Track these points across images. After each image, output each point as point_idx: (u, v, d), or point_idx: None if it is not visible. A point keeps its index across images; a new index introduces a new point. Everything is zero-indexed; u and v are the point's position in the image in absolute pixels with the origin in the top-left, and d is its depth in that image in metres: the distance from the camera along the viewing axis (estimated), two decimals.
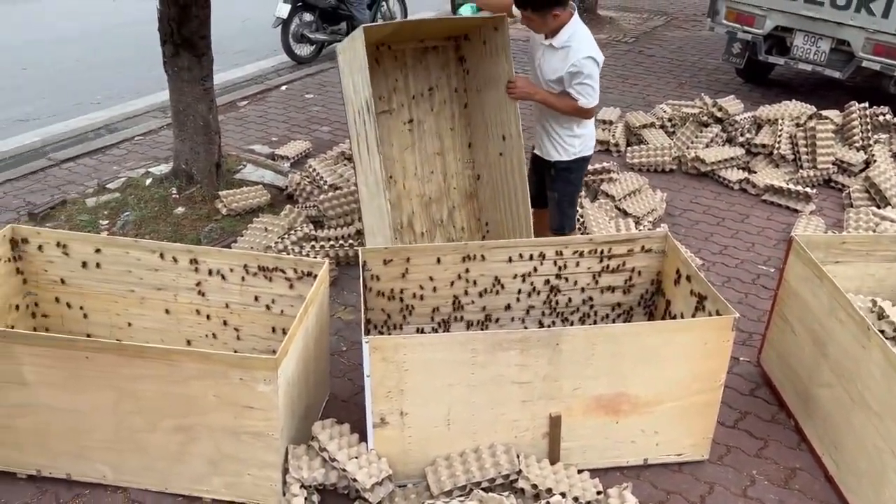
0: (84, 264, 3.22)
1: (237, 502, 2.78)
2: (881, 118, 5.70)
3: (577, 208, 4.06)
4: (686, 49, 8.80)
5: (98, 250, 3.20)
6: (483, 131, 4.05)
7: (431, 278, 3.34)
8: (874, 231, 4.52)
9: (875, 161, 5.35)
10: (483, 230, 4.23)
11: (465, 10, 3.77)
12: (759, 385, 3.46)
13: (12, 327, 3.19)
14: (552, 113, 3.60)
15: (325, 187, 4.85)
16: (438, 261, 3.29)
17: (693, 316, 3.06)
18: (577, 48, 3.42)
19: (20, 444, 2.78)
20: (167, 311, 3.28)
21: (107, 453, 2.76)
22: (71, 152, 5.83)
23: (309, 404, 2.99)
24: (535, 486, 2.71)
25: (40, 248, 3.22)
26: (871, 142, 5.58)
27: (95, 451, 2.76)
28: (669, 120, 6.05)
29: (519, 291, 3.41)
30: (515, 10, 3.58)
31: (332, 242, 4.35)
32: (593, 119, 3.73)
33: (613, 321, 3.51)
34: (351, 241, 4.36)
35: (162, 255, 3.17)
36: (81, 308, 3.33)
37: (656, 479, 2.94)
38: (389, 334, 3.39)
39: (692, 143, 5.79)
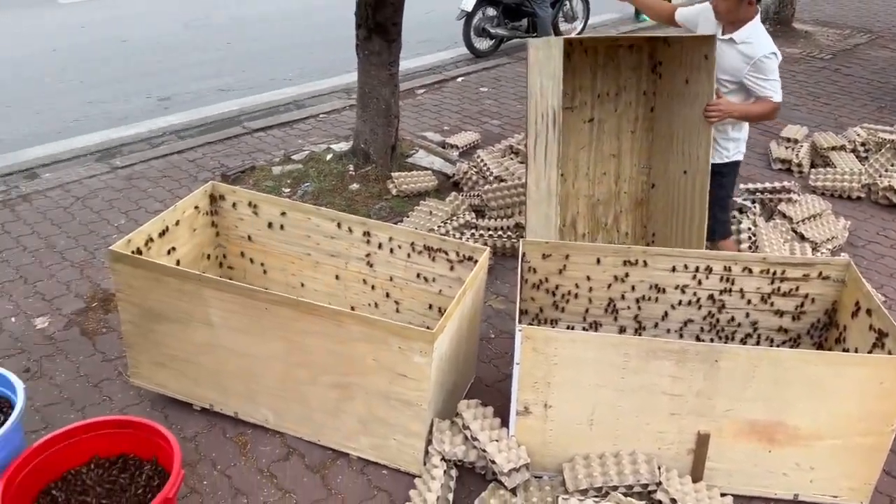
0: (270, 225, 3.50)
1: (380, 464, 2.93)
2: None
3: (729, 215, 3.91)
4: (890, 71, 8.08)
5: (283, 213, 3.46)
6: (667, 142, 3.88)
7: (588, 278, 3.33)
8: None
9: None
10: (648, 238, 4.13)
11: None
12: None
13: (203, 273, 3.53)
14: None
15: (491, 178, 4.95)
16: (598, 261, 3.28)
17: (869, 353, 2.85)
18: (758, 44, 3.47)
19: (199, 379, 3.08)
20: (337, 277, 3.50)
21: (271, 399, 3.00)
22: (262, 123, 6.33)
23: (456, 382, 3.10)
24: (673, 501, 2.66)
25: (234, 205, 3.53)
26: None
27: (262, 395, 3.01)
28: (862, 144, 5.61)
29: (679, 303, 3.33)
30: (679, 17, 3.70)
31: (490, 232, 4.44)
32: (748, 123, 3.71)
33: (778, 346, 3.34)
34: (509, 233, 4.42)
35: (339, 225, 3.39)
36: (262, 265, 3.63)
37: None
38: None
39: (886, 171, 5.34)
